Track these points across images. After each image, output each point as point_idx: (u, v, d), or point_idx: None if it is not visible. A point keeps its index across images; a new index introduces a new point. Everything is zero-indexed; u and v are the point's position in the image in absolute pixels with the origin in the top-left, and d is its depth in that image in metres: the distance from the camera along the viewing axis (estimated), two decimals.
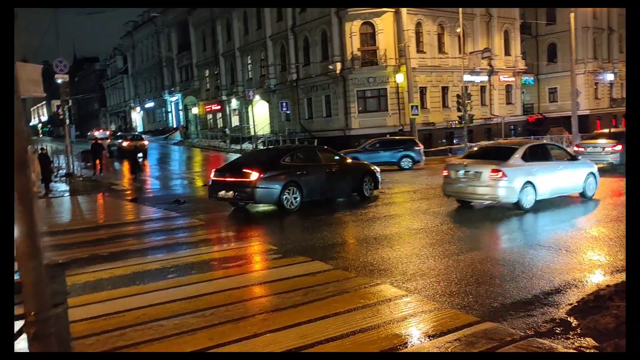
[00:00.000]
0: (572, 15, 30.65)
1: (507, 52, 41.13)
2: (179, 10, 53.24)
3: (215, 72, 48.74)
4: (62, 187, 19.84)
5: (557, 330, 4.45)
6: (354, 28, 33.15)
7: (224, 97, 47.47)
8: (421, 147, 24.53)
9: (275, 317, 4.86)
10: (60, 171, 23.11)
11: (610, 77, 46.48)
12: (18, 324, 2.11)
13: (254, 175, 11.32)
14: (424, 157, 24.34)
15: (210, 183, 12.50)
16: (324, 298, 5.38)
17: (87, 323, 4.88)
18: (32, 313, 1.99)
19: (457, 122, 32.09)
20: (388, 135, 28.41)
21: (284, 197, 11.51)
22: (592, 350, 4.04)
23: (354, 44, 33.18)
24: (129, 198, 15.97)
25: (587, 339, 4.25)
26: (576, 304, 5.02)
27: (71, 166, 19.99)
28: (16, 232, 2.01)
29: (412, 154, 23.77)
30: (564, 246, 7.49)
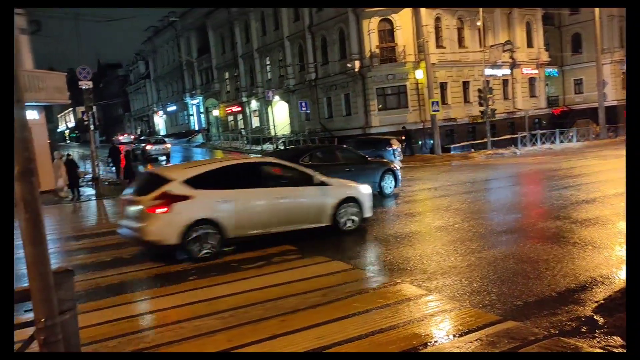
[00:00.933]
0: None
1: (530, 44, 40.38)
2: (198, 14, 53.80)
3: (235, 74, 49.09)
4: (89, 191, 20.24)
5: (582, 329, 4.33)
6: (371, 25, 32.97)
7: (244, 99, 47.78)
8: (395, 146, 21.83)
9: (293, 318, 4.86)
10: (87, 176, 23.57)
11: None
12: (30, 330, 2.14)
13: None
14: (398, 158, 21.11)
15: None
16: (343, 298, 5.35)
17: (110, 325, 4.96)
18: (42, 320, 2.02)
19: (479, 116, 31.68)
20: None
21: None
22: (619, 350, 3.92)
23: (372, 41, 33.01)
24: None
25: (615, 337, 4.13)
26: (602, 302, 4.88)
27: (97, 171, 20.35)
28: (23, 240, 2.03)
29: (384, 155, 20.49)
30: (589, 242, 7.31)
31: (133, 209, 7.67)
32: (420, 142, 32.41)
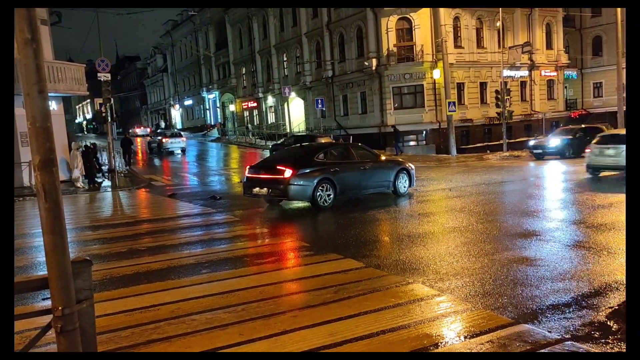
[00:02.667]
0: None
1: (549, 46, 39.95)
2: (217, 9, 54.06)
3: (252, 70, 49.27)
4: (105, 182, 20.50)
5: (595, 335, 4.29)
6: (390, 24, 32.86)
7: (260, 95, 47.94)
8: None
9: (305, 314, 4.88)
10: (104, 167, 23.87)
11: None
12: (47, 318, 2.18)
13: (288, 173, 11.39)
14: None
15: (245, 180, 12.65)
16: (355, 296, 5.36)
17: (123, 316, 5.02)
18: (60, 308, 2.05)
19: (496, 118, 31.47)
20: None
21: (318, 194, 11.53)
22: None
23: (390, 40, 32.91)
24: (168, 194, 16.34)
25: (620, 353, 4.08)
26: (617, 307, 4.83)
27: (113, 162, 20.61)
28: (43, 228, 2.07)
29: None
30: (605, 247, 7.22)
31: None
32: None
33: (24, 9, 2.06)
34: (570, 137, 23.81)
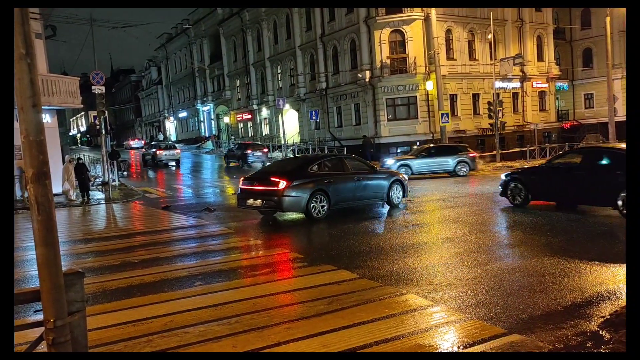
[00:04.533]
0: (607, 19, 29.93)
1: (540, 58, 40.39)
2: (211, 21, 54.35)
3: (246, 82, 49.45)
4: (98, 195, 20.42)
5: (588, 344, 4.31)
6: (383, 36, 33.15)
7: (255, 107, 48.07)
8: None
9: (299, 326, 4.87)
10: (97, 180, 23.80)
11: None
12: (38, 331, 2.18)
13: (282, 184, 11.40)
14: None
15: (239, 191, 12.65)
16: (349, 307, 5.36)
17: (116, 329, 5.00)
18: (52, 320, 2.06)
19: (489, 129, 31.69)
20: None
21: (312, 205, 11.55)
22: None
23: (383, 52, 33.17)
24: (162, 206, 16.30)
25: (620, 353, 4.10)
26: (609, 317, 4.85)
27: (107, 175, 20.56)
28: (35, 241, 2.08)
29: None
30: (597, 257, 7.27)
31: None
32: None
33: (19, 24, 2.09)
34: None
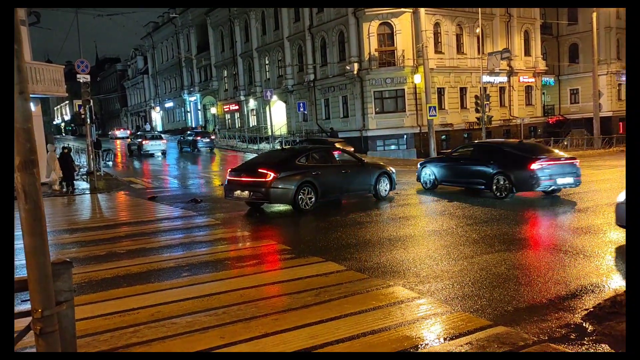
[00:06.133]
0: (594, 15, 30.21)
1: (527, 53, 40.67)
2: (198, 11, 53.79)
3: (234, 73, 49.11)
4: (83, 185, 20.20)
5: (571, 336, 4.38)
6: (371, 28, 33.09)
7: (242, 98, 47.80)
8: None
9: (286, 317, 4.88)
10: (82, 169, 23.52)
11: None
12: (26, 321, 2.16)
13: (269, 176, 11.38)
14: None
15: (226, 183, 12.60)
16: (336, 299, 5.38)
17: (102, 319, 4.96)
18: (39, 310, 2.03)
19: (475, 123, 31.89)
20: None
21: (299, 197, 11.55)
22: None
23: (371, 45, 33.13)
24: (148, 197, 16.17)
25: (603, 345, 4.18)
26: (592, 310, 4.94)
27: (92, 165, 20.32)
28: (23, 230, 2.05)
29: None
30: (581, 250, 7.38)
31: None
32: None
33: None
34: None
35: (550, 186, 12.65)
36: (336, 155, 14.01)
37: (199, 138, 39.25)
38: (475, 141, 22.15)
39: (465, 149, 15.75)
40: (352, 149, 23.47)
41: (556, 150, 14.85)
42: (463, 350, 4.07)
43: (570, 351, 4.06)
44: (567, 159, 13.28)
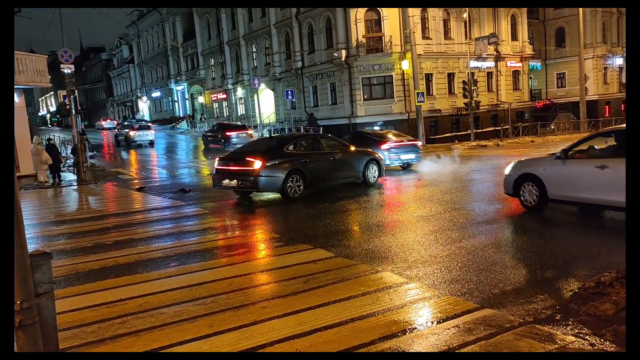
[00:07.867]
0: None
1: (514, 37, 40.68)
2: None
3: (221, 61, 48.62)
4: (70, 176, 20.00)
5: (556, 317, 4.44)
6: (358, 15, 32.89)
7: (230, 86, 47.41)
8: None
9: (275, 305, 4.89)
10: (68, 161, 23.27)
11: (619, 61, 45.76)
12: None
13: (258, 164, 11.34)
14: None
15: (214, 172, 12.54)
16: (325, 285, 5.40)
17: (90, 311, 4.94)
18: (18, 302, 2.01)
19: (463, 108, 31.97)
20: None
21: (288, 185, 11.53)
22: (590, 337, 4.02)
23: (359, 31, 32.95)
24: (136, 187, 16.06)
25: (587, 325, 4.24)
26: (577, 291, 5.00)
27: (80, 155, 20.07)
28: None
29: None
30: (568, 234, 7.46)
31: None
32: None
33: None
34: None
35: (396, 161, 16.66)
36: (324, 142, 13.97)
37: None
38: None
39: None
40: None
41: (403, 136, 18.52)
42: (450, 334, 4.11)
43: (555, 333, 4.11)
44: (409, 141, 17.78)
